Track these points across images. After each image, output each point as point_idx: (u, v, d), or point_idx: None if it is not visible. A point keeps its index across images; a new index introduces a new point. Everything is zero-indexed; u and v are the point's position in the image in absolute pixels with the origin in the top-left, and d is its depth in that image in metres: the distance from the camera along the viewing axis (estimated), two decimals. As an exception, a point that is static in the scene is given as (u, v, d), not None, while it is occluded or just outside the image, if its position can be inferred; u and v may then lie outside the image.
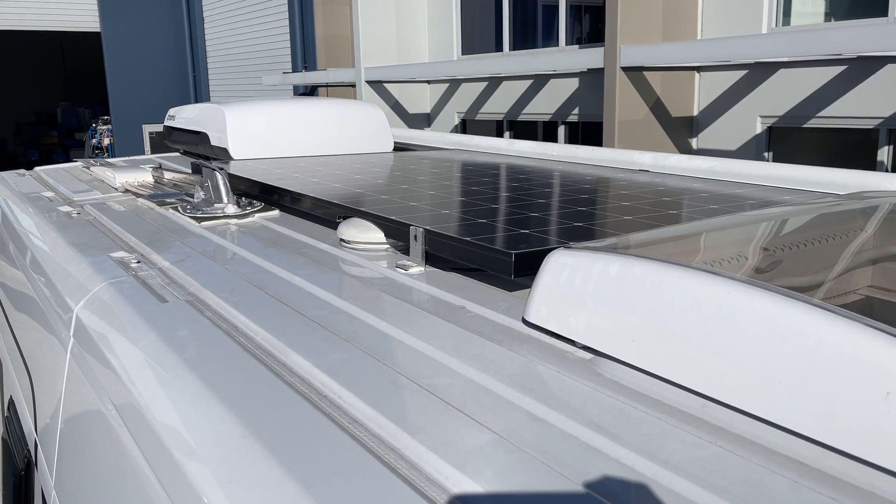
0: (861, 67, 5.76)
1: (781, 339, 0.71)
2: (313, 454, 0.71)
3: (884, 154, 5.84)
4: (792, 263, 0.94)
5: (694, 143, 7.16)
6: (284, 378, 0.89)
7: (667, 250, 0.95)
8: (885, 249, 1.05)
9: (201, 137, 2.76)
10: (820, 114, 6.14)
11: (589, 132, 8.35)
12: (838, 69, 5.92)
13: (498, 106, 9.54)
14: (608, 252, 0.93)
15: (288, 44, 13.40)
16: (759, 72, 6.49)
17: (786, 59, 6.19)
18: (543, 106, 8.84)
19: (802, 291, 0.76)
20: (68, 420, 1.22)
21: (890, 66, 5.58)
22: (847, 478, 0.64)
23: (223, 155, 2.60)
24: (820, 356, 0.68)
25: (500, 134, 9.56)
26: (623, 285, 0.87)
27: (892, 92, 5.59)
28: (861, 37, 4.86)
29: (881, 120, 5.71)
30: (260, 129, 2.62)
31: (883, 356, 0.63)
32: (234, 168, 2.21)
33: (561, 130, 8.79)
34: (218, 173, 1.83)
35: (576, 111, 8.43)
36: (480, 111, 9.88)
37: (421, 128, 10.41)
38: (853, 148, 6.09)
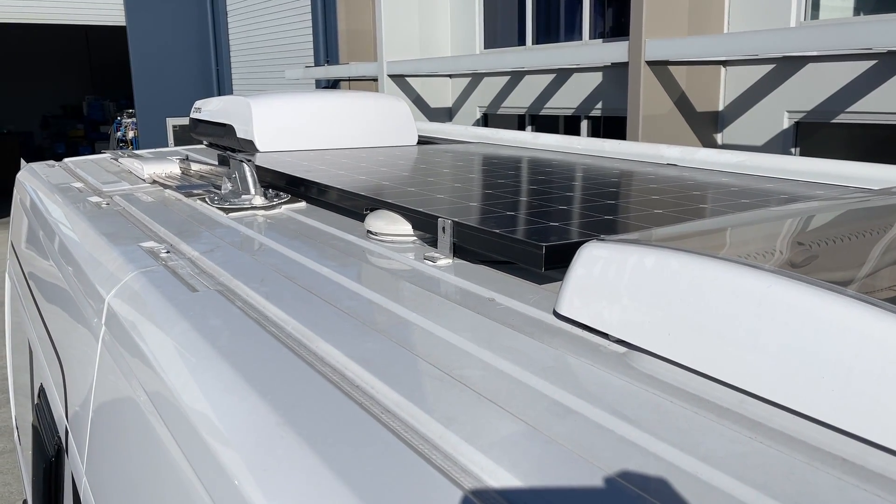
0: (891, 62, 5.65)
1: (823, 333, 0.69)
2: (348, 443, 0.71)
3: (914, 150, 5.73)
4: (828, 258, 0.92)
5: (719, 138, 7.08)
6: (316, 367, 0.89)
7: (701, 243, 0.94)
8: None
9: (227, 130, 2.78)
10: (848, 109, 6.03)
11: (611, 127, 8.29)
12: (868, 63, 5.82)
13: (520, 100, 9.50)
14: (643, 245, 0.92)
15: (310, 38, 13.44)
16: (787, 66, 6.39)
17: (814, 54, 6.09)
18: (566, 100, 8.79)
19: (841, 286, 0.75)
20: (99, 408, 1.23)
21: (922, 61, 5.47)
22: (892, 475, 0.62)
23: (249, 147, 2.61)
24: (863, 351, 0.66)
25: (521, 128, 9.52)
26: (658, 278, 0.86)
27: (923, 87, 5.48)
28: (891, 31, 4.77)
29: (912, 115, 5.60)
30: (286, 121, 2.63)
31: (932, 351, 0.62)
32: (260, 160, 2.22)
33: (583, 125, 8.73)
34: (245, 165, 1.84)
35: (599, 105, 8.37)
36: (502, 105, 9.84)
37: (442, 122, 10.39)
38: (882, 144, 5.98)
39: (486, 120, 10.33)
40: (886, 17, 5.74)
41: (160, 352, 1.03)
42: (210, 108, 3.06)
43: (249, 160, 1.87)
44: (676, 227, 1.06)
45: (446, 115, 10.80)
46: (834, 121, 6.16)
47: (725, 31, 6.85)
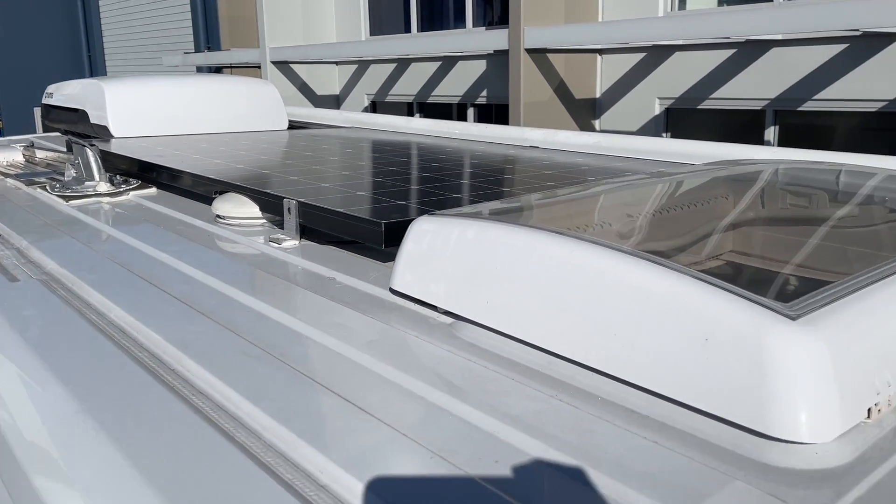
0: (750, 51, 6.03)
1: (616, 292, 0.73)
2: (149, 427, 0.68)
3: (770, 133, 6.15)
4: (639, 226, 0.97)
5: (597, 124, 7.34)
6: (132, 353, 0.85)
7: (526, 216, 0.97)
8: (733, 212, 1.10)
9: (80, 115, 2.63)
10: (713, 95, 6.39)
11: (500, 114, 8.43)
12: (729, 52, 6.18)
13: (408, 87, 9.50)
14: (467, 218, 0.94)
15: (189, 22, 12.89)
16: (657, 54, 6.70)
17: (680, 42, 6.41)
18: (453, 88, 8.86)
19: (647, 251, 0.79)
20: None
21: (775, 49, 5.87)
22: (671, 422, 0.66)
23: (104, 133, 2.48)
24: (648, 307, 0.70)
25: (410, 115, 9.51)
26: (478, 249, 0.88)
27: (777, 74, 5.88)
28: (748, 21, 5.08)
29: (768, 101, 6.00)
30: (143, 106, 2.52)
31: (702, 304, 0.66)
32: (110, 145, 2.11)
33: (470, 112, 8.84)
34: (89, 150, 1.74)
35: (484, 93, 8.48)
36: (390, 93, 9.80)
37: (330, 109, 10.23)
38: (744, 127, 6.38)
39: (375, 107, 10.27)
40: (744, 7, 6.11)
41: (-31, 346, 0.96)
42: (63, 94, 2.88)
43: (93, 145, 1.78)
44: (508, 201, 1.09)
45: (334, 102, 10.65)
46: (700, 107, 6.51)
47: (600, 20, 7.09)
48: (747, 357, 0.62)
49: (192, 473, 0.61)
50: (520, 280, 0.82)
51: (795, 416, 0.60)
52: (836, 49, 5.46)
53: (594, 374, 0.75)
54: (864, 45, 5.30)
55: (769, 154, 1.88)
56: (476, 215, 0.95)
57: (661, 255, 0.77)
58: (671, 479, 0.58)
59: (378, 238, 1.13)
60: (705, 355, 0.65)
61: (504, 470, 0.60)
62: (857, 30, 4.99)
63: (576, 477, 0.59)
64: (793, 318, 0.63)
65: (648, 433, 0.65)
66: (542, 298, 0.80)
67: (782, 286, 0.74)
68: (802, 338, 0.61)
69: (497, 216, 0.94)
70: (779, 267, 0.81)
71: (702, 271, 0.71)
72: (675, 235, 0.90)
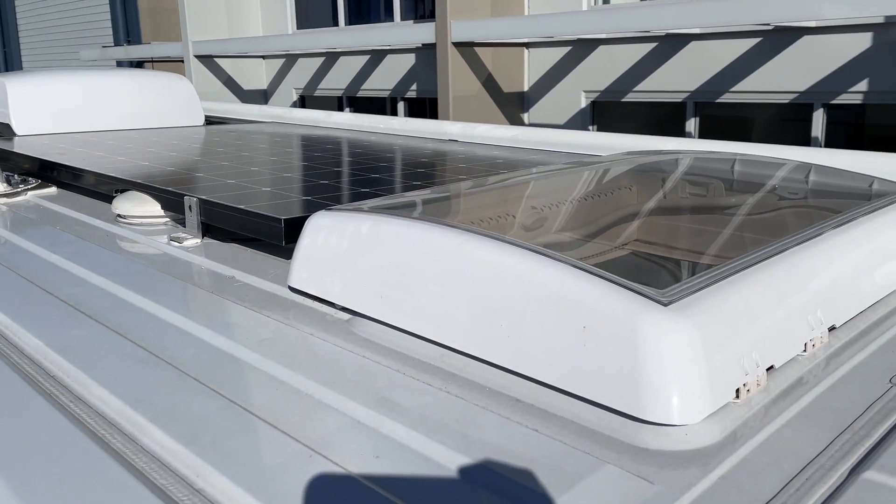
0: (670, 44, 6.20)
1: (500, 283, 0.74)
2: (18, 436, 0.65)
3: (691, 125, 6.34)
4: (530, 217, 0.99)
5: (526, 117, 7.42)
6: (10, 359, 0.81)
7: (423, 210, 0.96)
8: (627, 203, 1.12)
9: (-19, 112, 2.50)
10: (637, 88, 6.55)
11: (433, 108, 8.42)
12: (649, 46, 6.34)
13: (336, 81, 9.39)
14: (362, 212, 0.93)
15: (108, 15, 12.43)
16: (582, 48, 6.81)
17: (604, 36, 6.53)
18: (382, 81, 8.81)
19: (537, 242, 0.80)
20: None
21: (694, 43, 6.05)
22: (554, 409, 0.67)
23: (7, 131, 2.37)
24: (531, 296, 0.71)
25: (340, 110, 9.42)
26: (371, 243, 0.88)
27: (697, 67, 6.06)
28: (667, 15, 5.22)
29: (688, 93, 6.18)
30: (48, 102, 2.41)
31: (580, 293, 0.67)
32: (8, 144, 2.02)
33: (401, 106, 8.81)
34: (-18, 148, 1.66)
35: (414, 87, 8.46)
36: (319, 87, 9.68)
37: (257, 104, 10.03)
38: (666, 119, 6.55)
39: (304, 102, 10.12)
40: (664, 2, 6.27)
41: None
42: (-38, 90, 2.73)
43: (-13, 143, 1.69)
44: (409, 195, 1.09)
45: (261, 97, 10.45)
46: (624, 99, 6.66)
47: (526, 13, 7.17)
48: (621, 343, 0.64)
49: (62, 483, 0.59)
50: (412, 274, 0.82)
51: (666, 398, 0.62)
52: (751, 43, 5.66)
53: (484, 365, 0.76)
54: (775, 40, 5.51)
55: (679, 145, 1.94)
56: (372, 210, 0.94)
57: (551, 246, 0.78)
58: (548, 463, 0.59)
59: (278, 234, 1.11)
60: (584, 342, 0.66)
61: (384, 465, 0.60)
62: (769, 24, 5.18)
63: (455, 467, 0.59)
64: (664, 304, 0.64)
65: (530, 421, 0.66)
66: (433, 292, 0.80)
67: (660, 274, 0.76)
68: (673, 323, 0.63)
69: (393, 210, 0.93)
70: (661, 255, 0.83)
71: (585, 260, 0.72)
72: (568, 227, 0.92)
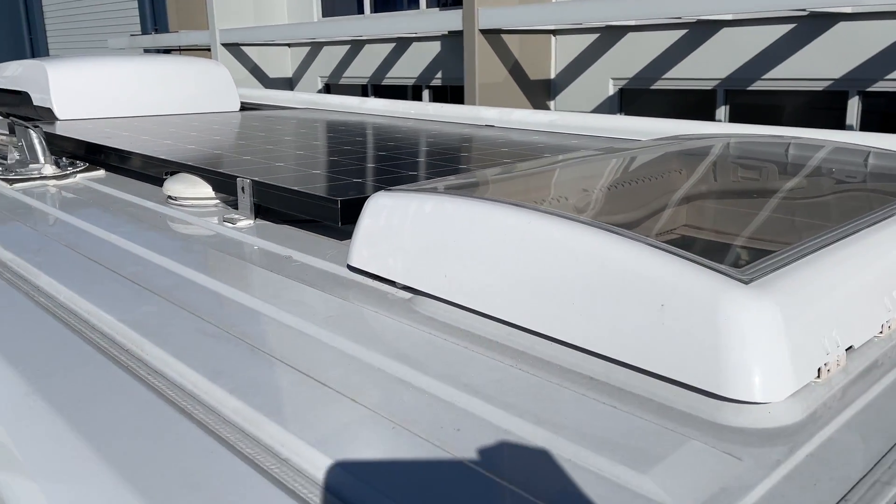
0: (700, 31, 6.12)
1: (572, 261, 0.74)
2: (103, 406, 0.67)
3: (721, 113, 6.27)
4: (593, 198, 0.98)
5: (552, 105, 7.38)
6: (83, 334, 0.83)
7: (483, 190, 0.97)
8: (686, 185, 1.12)
9: (22, 98, 2.54)
10: (666, 75, 6.48)
11: (456, 96, 8.40)
12: (680, 33, 6.26)
13: (362, 70, 9.40)
14: (424, 192, 0.93)
15: (136, 3, 12.52)
16: (611, 35, 6.75)
17: (633, 23, 6.47)
18: (407, 70, 8.79)
19: (605, 222, 0.79)
20: None
21: (726, 30, 5.97)
22: (629, 387, 0.67)
23: (48, 116, 2.40)
24: (605, 275, 0.71)
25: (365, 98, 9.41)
26: (435, 223, 0.88)
27: (728, 54, 5.98)
28: (698, 1, 5.16)
29: (719, 81, 6.11)
30: (88, 87, 2.44)
31: (658, 270, 0.67)
32: (55, 127, 2.05)
33: (425, 94, 8.79)
34: (32, 131, 1.68)
35: (439, 75, 8.44)
36: (344, 75, 9.69)
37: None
38: (696, 107, 6.49)
39: (329, 90, 10.14)
40: (694, -11, 6.18)
41: None
42: (3, 76, 2.78)
43: (37, 126, 1.72)
44: (464, 176, 1.09)
45: (286, 85, 10.48)
46: (653, 87, 6.60)
47: (554, 0, 7.11)
48: (702, 321, 0.63)
49: (151, 450, 0.60)
50: (478, 253, 0.82)
51: (749, 376, 0.61)
52: (784, 29, 5.57)
53: (553, 343, 0.76)
54: (810, 26, 5.42)
55: (720, 129, 1.92)
56: (433, 190, 0.95)
57: (618, 226, 0.78)
58: (630, 441, 0.59)
59: (334, 215, 1.12)
60: (662, 320, 0.66)
61: (465, 438, 0.60)
62: (804, 10, 5.10)
63: (536, 442, 0.59)
64: (745, 283, 0.64)
65: (607, 399, 0.66)
66: (500, 271, 0.80)
67: (735, 253, 0.76)
68: (755, 301, 0.63)
69: (454, 190, 0.93)
70: (731, 236, 0.83)
71: (657, 240, 0.72)
72: (630, 208, 0.91)
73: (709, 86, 6.21)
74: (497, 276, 0.80)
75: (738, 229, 0.86)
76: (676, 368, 0.65)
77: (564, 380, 0.70)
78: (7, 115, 2.96)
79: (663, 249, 0.69)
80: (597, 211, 0.86)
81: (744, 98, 6.08)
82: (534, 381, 0.69)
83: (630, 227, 0.84)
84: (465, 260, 0.83)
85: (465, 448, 0.58)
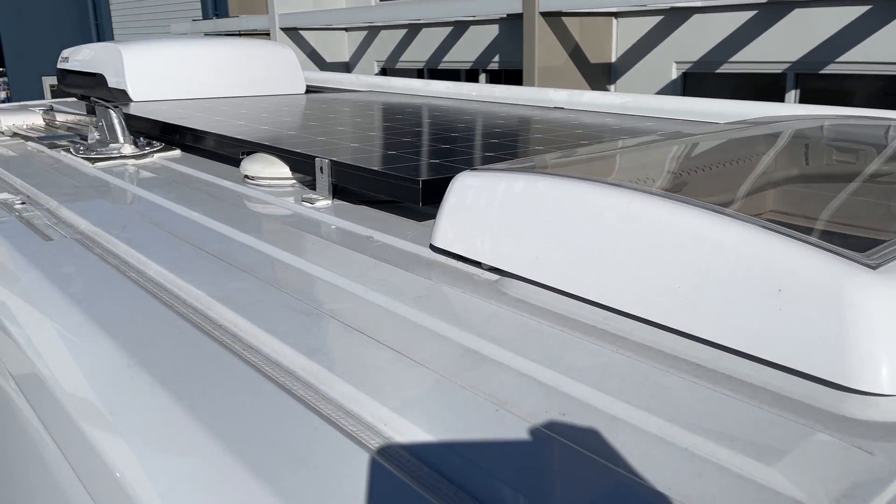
0: (770, 12, 5.91)
1: (678, 244, 0.71)
2: (203, 380, 0.67)
3: (791, 97, 6.05)
4: (689, 180, 0.95)
5: (612, 89, 7.24)
6: (176, 308, 0.84)
7: (570, 170, 0.94)
8: (776, 169, 1.07)
9: (98, 80, 2.60)
10: (732, 59, 6.28)
11: (511, 80, 8.31)
12: (748, 14, 6.06)
13: (418, 54, 9.38)
14: (512, 171, 0.91)
15: (197, -11, 12.75)
16: (674, 17, 6.57)
17: (699, 5, 6.28)
18: (464, 53, 8.74)
19: (697, 201, 0.76)
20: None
21: (798, 11, 5.75)
22: (740, 375, 0.64)
23: (122, 97, 2.45)
24: (714, 259, 0.68)
25: (421, 83, 9.40)
26: (526, 202, 0.86)
27: (799, 36, 5.76)
28: (769, -19, 4.97)
29: (788, 64, 5.90)
30: (161, 69, 2.48)
31: (775, 254, 0.64)
32: (132, 108, 2.09)
33: (482, 78, 8.73)
34: (112, 111, 1.72)
35: (496, 58, 8.37)
36: (401, 59, 9.69)
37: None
38: (764, 92, 6.28)
39: (385, 74, 10.16)
40: (764, -32, 5.97)
41: (9, 304, 0.95)
42: (80, 58, 2.85)
43: (117, 107, 1.75)
44: (549, 155, 1.06)
45: (343, 69, 10.54)
46: (718, 70, 6.41)
47: (616, -18, 6.95)
48: (825, 307, 0.60)
49: (255, 425, 0.60)
50: (574, 234, 0.80)
51: (877, 367, 0.58)
52: (861, 10, 5.34)
53: (654, 328, 0.73)
54: (889, 6, 5.18)
55: (802, 111, 1.84)
56: (521, 169, 0.92)
57: (725, 206, 0.74)
58: (749, 432, 0.56)
59: (415, 196, 1.11)
60: (778, 306, 0.63)
61: (573, 423, 0.58)
62: (883, -11, 4.86)
63: (650, 430, 0.57)
64: (872, 268, 0.60)
65: (717, 387, 0.63)
66: (598, 252, 0.77)
67: (852, 238, 0.71)
68: (883, 287, 0.59)
69: (544, 170, 0.91)
70: (843, 220, 0.78)
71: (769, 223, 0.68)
72: (729, 190, 0.87)
73: (778, 69, 6.00)
74: (594, 258, 0.77)
75: (850, 214, 0.81)
76: (795, 357, 0.62)
77: (670, 367, 0.67)
78: (82, 97, 3.04)
79: (779, 232, 0.65)
80: (696, 193, 0.82)
81: (815, 82, 5.86)
82: (639, 367, 0.66)
83: (735, 208, 0.80)
84: (560, 241, 0.81)
85: (574, 433, 0.57)
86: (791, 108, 1.83)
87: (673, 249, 0.71)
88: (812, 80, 5.87)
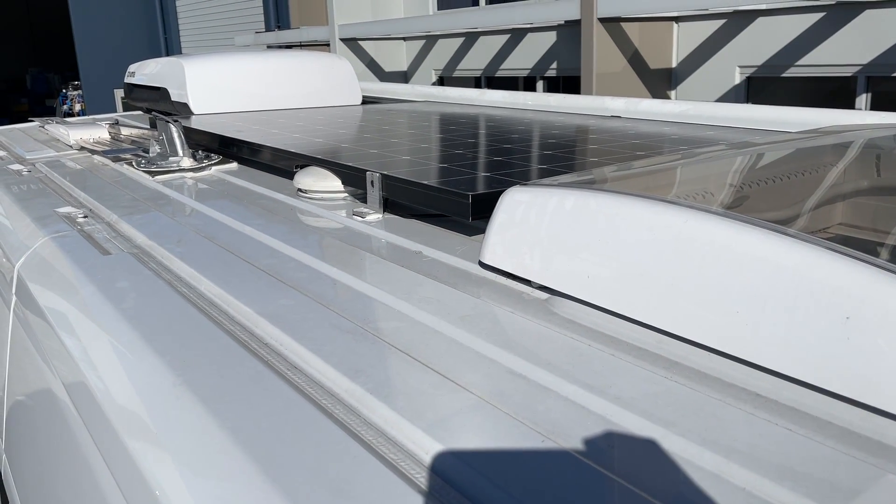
0: (839, 14, 5.69)
1: (738, 266, 0.67)
2: (245, 401, 0.67)
3: (861, 101, 5.81)
4: (752, 196, 0.90)
5: (673, 95, 7.09)
6: (224, 326, 0.84)
7: (624, 185, 0.91)
8: (848, 183, 1.01)
9: (161, 93, 2.67)
10: (798, 62, 6.08)
11: (569, 86, 8.24)
12: (816, 16, 5.85)
13: (475, 62, 9.39)
14: (563, 187, 0.88)
15: (260, 2, 13.07)
16: (738, 21, 6.40)
17: (764, 7, 6.10)
18: (521, 61, 8.70)
19: (760, 221, 0.72)
20: (13, 377, 1.17)
21: (868, 12, 5.52)
22: (803, 407, 0.60)
23: (184, 110, 2.52)
24: (777, 282, 0.64)
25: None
26: (577, 219, 0.83)
27: (870, 38, 5.54)
28: (839, -19, 4.79)
29: (859, 67, 5.67)
30: (221, 82, 2.54)
31: (843, 279, 0.60)
32: (192, 122, 2.14)
33: (539, 85, 8.67)
34: (172, 126, 1.76)
35: (554, 65, 8.30)
36: (458, 67, 9.72)
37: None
38: (832, 96, 6.05)
39: (443, 83, 10.20)
40: (834, -32, 5.76)
41: (65, 317, 0.97)
42: (144, 72, 2.94)
43: (177, 121, 1.79)
44: (602, 169, 1.03)
45: (401, 78, 10.63)
46: (784, 75, 6.21)
47: (677, -14, 6.81)
48: (898, 337, 0.56)
49: (295, 451, 0.59)
50: (626, 252, 0.77)
51: (957, 404, 0.53)
52: (937, 9, 5.09)
53: (711, 353, 0.70)
54: (969, 4, 4.92)
55: (874, 119, 1.75)
56: (573, 185, 0.90)
57: (789, 226, 0.70)
58: (814, 471, 0.52)
59: (465, 210, 1.09)
60: (846, 335, 0.59)
61: (622, 456, 0.55)
62: (963, -13, 4.63)
63: (704, 466, 0.54)
64: (951, 295, 0.56)
65: (780, 420, 0.59)
66: (652, 273, 0.74)
67: (929, 259, 0.66)
68: (964, 316, 0.54)
69: (596, 185, 0.88)
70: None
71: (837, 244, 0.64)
72: (794, 206, 0.83)
73: (848, 72, 5.78)
74: (649, 278, 0.74)
75: (925, 232, 0.76)
76: (863, 389, 0.58)
77: (727, 395, 0.63)
78: (147, 110, 3.14)
79: (847, 254, 0.61)
80: (758, 210, 0.78)
81: (888, 85, 5.62)
82: (694, 397, 0.63)
83: (800, 229, 0.76)
84: (612, 260, 0.78)
85: (622, 467, 0.54)
86: (862, 116, 1.74)
87: (732, 271, 0.67)
88: (885, 83, 5.63)
